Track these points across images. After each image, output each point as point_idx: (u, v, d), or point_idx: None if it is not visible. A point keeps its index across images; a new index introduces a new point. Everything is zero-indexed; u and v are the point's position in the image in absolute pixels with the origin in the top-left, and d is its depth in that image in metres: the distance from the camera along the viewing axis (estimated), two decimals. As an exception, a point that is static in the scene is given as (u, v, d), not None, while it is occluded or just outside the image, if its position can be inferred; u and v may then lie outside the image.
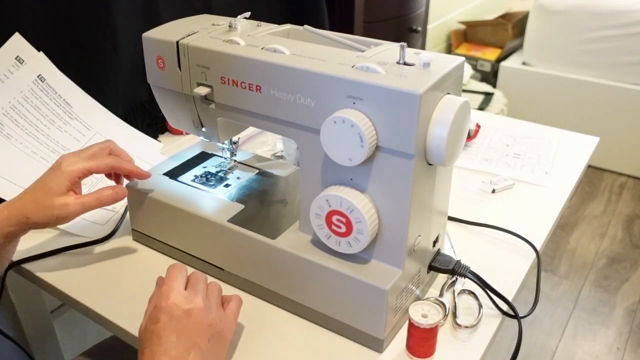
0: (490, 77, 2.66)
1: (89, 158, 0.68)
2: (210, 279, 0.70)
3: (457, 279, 0.70)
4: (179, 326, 0.52)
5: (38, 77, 0.88)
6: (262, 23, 0.70)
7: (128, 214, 0.79)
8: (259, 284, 0.68)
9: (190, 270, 0.61)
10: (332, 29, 1.53)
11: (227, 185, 0.76)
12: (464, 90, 2.35)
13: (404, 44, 0.57)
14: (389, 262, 0.60)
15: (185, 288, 0.57)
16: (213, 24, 0.70)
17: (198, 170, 0.79)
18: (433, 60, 0.56)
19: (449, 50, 2.75)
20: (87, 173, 0.67)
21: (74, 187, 0.66)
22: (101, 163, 0.68)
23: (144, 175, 0.72)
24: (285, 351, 0.62)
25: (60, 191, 0.65)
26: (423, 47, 2.06)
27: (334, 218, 0.59)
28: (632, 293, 1.84)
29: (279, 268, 0.65)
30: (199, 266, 0.73)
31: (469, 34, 2.75)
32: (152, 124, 1.08)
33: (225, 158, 0.81)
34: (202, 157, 0.82)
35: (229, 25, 0.68)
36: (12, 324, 0.90)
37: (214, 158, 0.82)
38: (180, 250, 0.74)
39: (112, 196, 0.68)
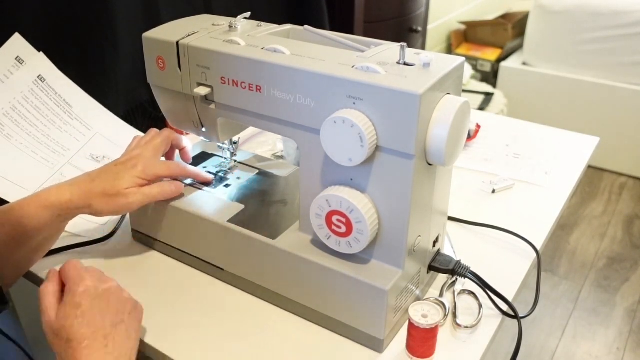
0: (490, 77, 2.67)
1: (164, 164, 0.71)
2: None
3: (457, 279, 0.70)
4: (101, 305, 0.54)
5: (38, 77, 0.88)
6: (262, 23, 0.70)
7: (128, 214, 0.79)
8: (259, 284, 0.68)
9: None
10: (332, 29, 1.53)
11: (227, 186, 0.76)
12: (464, 91, 2.35)
13: (404, 44, 0.57)
14: (389, 262, 0.60)
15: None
16: (213, 24, 0.70)
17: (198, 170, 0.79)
18: (433, 61, 0.56)
19: (449, 50, 2.76)
20: (158, 179, 0.70)
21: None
22: (172, 173, 0.72)
23: (208, 180, 0.75)
24: (285, 351, 0.62)
25: (129, 187, 0.67)
26: (423, 48, 2.06)
27: (334, 218, 0.59)
28: (632, 293, 1.84)
29: (279, 268, 0.65)
30: (199, 266, 0.73)
31: (469, 34, 2.75)
32: (152, 124, 1.08)
33: (225, 158, 0.81)
34: (202, 157, 0.82)
35: (229, 26, 0.68)
36: (12, 324, 0.90)
37: (214, 158, 0.82)
38: (180, 250, 0.74)
39: (174, 191, 0.70)
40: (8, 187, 0.80)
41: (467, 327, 0.64)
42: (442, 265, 0.67)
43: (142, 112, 1.07)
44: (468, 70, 2.52)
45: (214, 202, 0.72)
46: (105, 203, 0.66)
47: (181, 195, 0.73)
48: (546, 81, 2.54)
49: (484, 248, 0.78)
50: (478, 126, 1.08)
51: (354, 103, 0.55)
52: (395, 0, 1.76)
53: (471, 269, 0.67)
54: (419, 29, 1.87)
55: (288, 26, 0.70)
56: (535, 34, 2.56)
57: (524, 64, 2.64)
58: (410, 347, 0.60)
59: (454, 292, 0.69)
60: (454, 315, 0.65)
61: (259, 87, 0.61)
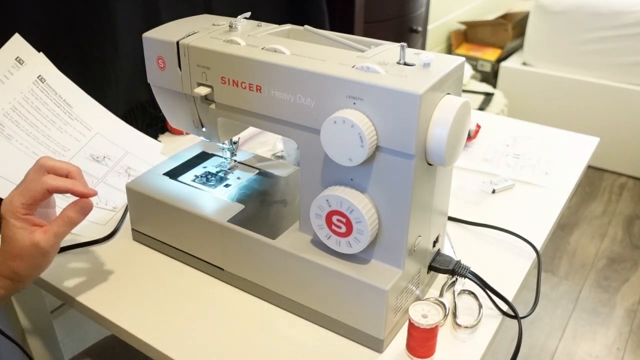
0: (490, 77, 2.67)
1: (23, 190, 0.61)
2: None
3: (457, 279, 0.70)
4: None
5: (38, 77, 0.88)
6: (262, 23, 0.70)
7: (128, 214, 0.79)
8: (259, 284, 0.68)
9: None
10: (332, 29, 1.53)
11: (227, 185, 0.76)
12: (464, 91, 2.35)
13: (404, 44, 0.57)
14: (389, 262, 0.60)
15: None
16: (213, 24, 0.70)
17: (198, 170, 0.79)
18: (433, 61, 0.56)
19: (449, 50, 2.75)
20: (28, 207, 0.60)
21: (32, 222, 0.61)
22: (36, 191, 0.60)
23: (88, 194, 0.62)
24: (285, 351, 0.62)
25: (20, 236, 0.59)
26: (423, 48, 2.06)
27: (334, 218, 0.59)
28: (632, 293, 1.84)
29: (279, 268, 0.65)
30: (199, 266, 0.73)
31: (469, 34, 2.75)
32: (152, 124, 1.08)
33: (225, 158, 0.81)
34: (202, 157, 0.82)
35: (229, 26, 0.68)
36: (12, 323, 0.90)
37: (214, 158, 0.82)
38: (180, 250, 0.74)
39: (79, 212, 0.61)
40: (8, 187, 0.79)
41: (467, 327, 0.64)
42: (442, 265, 0.67)
43: (142, 112, 1.07)
44: (468, 70, 2.52)
45: (214, 202, 0.72)
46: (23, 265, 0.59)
47: (181, 195, 0.73)
48: (546, 81, 2.54)
49: (484, 248, 0.78)
50: (478, 126, 1.08)
51: (354, 103, 0.55)
52: (395, 0, 1.75)
53: (471, 269, 0.67)
54: (419, 29, 1.87)
55: (288, 26, 0.70)
56: (535, 34, 2.56)
57: (524, 64, 2.64)
58: (410, 347, 0.60)
59: (454, 292, 0.69)
60: (454, 315, 0.65)
61: (259, 87, 0.61)
